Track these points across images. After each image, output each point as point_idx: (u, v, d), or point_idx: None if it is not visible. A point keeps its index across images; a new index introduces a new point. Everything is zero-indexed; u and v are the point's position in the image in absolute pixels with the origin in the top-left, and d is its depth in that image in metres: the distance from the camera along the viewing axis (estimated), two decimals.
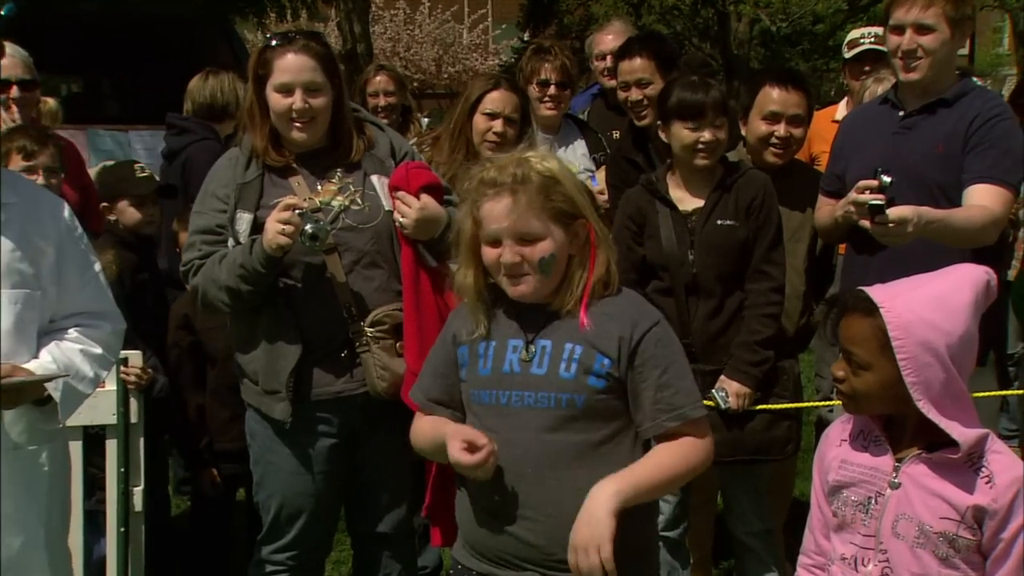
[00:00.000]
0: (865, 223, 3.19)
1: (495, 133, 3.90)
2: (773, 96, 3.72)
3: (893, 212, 3.09)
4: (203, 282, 3.12)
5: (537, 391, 2.37)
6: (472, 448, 2.34)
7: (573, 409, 2.36)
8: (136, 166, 4.45)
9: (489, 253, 2.40)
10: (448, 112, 4.13)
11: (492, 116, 3.92)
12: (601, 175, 4.46)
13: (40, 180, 3.87)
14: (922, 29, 3.37)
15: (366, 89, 5.50)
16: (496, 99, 3.93)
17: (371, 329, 3.11)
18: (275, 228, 2.95)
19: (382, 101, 5.44)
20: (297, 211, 2.96)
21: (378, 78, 5.53)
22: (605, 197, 4.27)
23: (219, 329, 3.84)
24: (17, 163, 3.89)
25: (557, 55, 4.57)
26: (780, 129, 3.69)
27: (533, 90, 4.54)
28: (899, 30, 3.41)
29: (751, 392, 3.38)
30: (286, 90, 3.09)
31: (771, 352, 3.36)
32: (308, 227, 2.97)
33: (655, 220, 3.48)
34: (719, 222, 3.41)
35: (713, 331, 3.42)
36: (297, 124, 3.12)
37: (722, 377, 3.38)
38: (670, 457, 2.37)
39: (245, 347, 3.20)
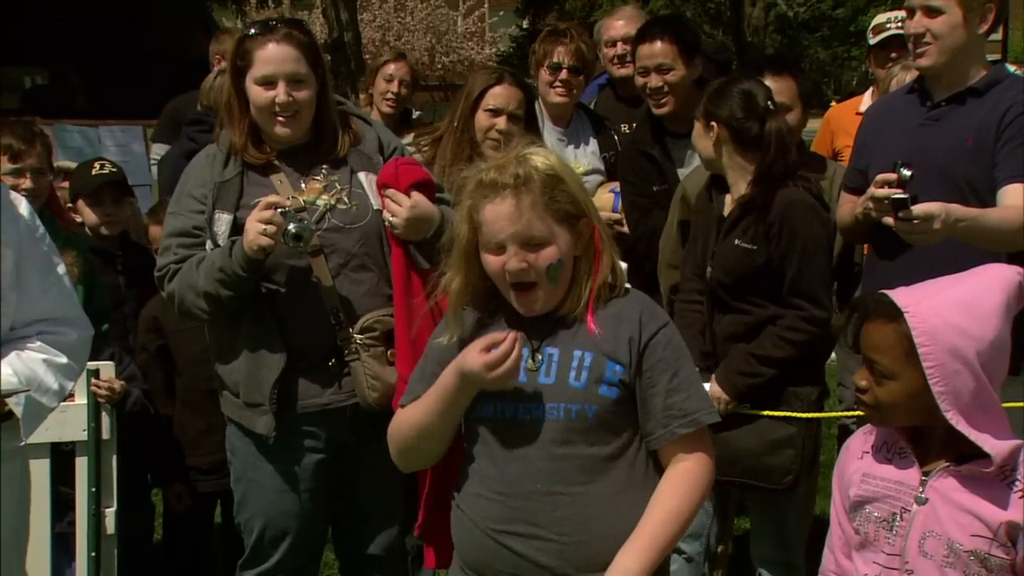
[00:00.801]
0: (889, 220, 3.19)
1: (498, 131, 3.89)
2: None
3: (919, 208, 3.09)
4: (179, 288, 3.13)
5: (546, 402, 2.39)
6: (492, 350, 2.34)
7: (584, 421, 2.37)
8: (96, 163, 4.52)
9: (493, 261, 2.41)
10: (449, 109, 4.13)
11: (495, 113, 3.91)
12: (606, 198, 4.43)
13: (28, 184, 3.91)
14: (931, 12, 3.39)
15: (380, 72, 5.57)
16: (499, 95, 3.93)
17: (360, 336, 3.13)
18: (256, 228, 2.95)
19: (395, 88, 5.52)
20: (279, 210, 2.98)
21: (396, 64, 5.61)
22: (623, 226, 4.29)
23: (190, 332, 3.86)
24: (3, 165, 3.92)
25: (573, 38, 4.59)
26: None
27: (544, 74, 4.56)
28: (911, 13, 3.44)
29: (728, 401, 3.38)
30: (268, 82, 3.10)
31: (768, 372, 3.37)
32: (291, 227, 2.97)
33: (706, 214, 3.58)
34: (737, 242, 3.44)
35: (726, 334, 3.47)
36: (280, 118, 3.13)
37: (712, 376, 3.42)
38: (677, 499, 2.38)
39: (225, 357, 3.21)
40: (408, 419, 2.55)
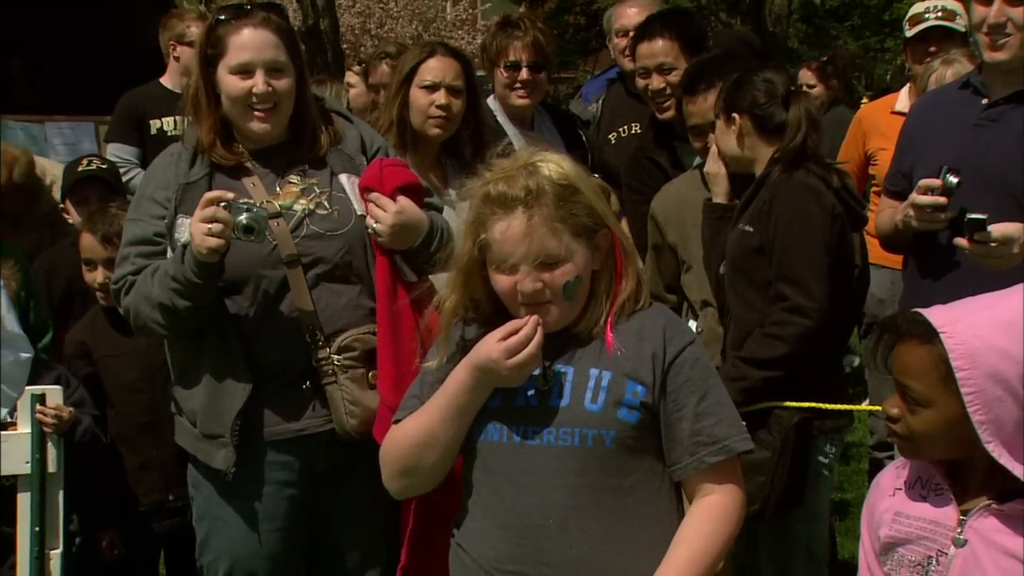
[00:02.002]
0: (962, 242, 3.16)
1: (438, 107, 3.93)
2: (688, 110, 3.90)
3: (997, 230, 3.06)
4: (135, 301, 3.14)
5: (559, 427, 2.40)
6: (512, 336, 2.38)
7: (601, 448, 2.39)
8: (85, 160, 4.66)
9: (503, 282, 2.43)
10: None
11: (432, 88, 3.94)
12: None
13: None
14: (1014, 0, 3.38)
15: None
16: (433, 68, 3.97)
17: (339, 356, 3.14)
18: (200, 230, 2.94)
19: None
20: (222, 204, 2.97)
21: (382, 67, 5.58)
22: None
23: (123, 358, 3.88)
24: None
25: (528, 29, 4.55)
26: (711, 140, 3.80)
27: (500, 75, 4.52)
28: (986, 1, 3.43)
29: None
30: (244, 71, 3.12)
31: (759, 374, 3.40)
32: (242, 218, 2.96)
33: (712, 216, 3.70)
34: (740, 226, 3.53)
35: (729, 344, 3.55)
36: (258, 112, 3.15)
37: None
38: (704, 538, 2.40)
39: (185, 380, 3.21)
40: (406, 431, 2.55)
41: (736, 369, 3.42)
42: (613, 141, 5.05)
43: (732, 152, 3.65)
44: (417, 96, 3.97)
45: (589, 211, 2.44)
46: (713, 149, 3.76)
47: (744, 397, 3.38)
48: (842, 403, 3.56)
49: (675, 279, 4.03)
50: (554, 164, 2.44)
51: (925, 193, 3.29)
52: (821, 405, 3.42)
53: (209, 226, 2.94)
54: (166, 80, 5.91)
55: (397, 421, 2.60)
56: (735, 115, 3.59)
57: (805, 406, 3.41)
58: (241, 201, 3.01)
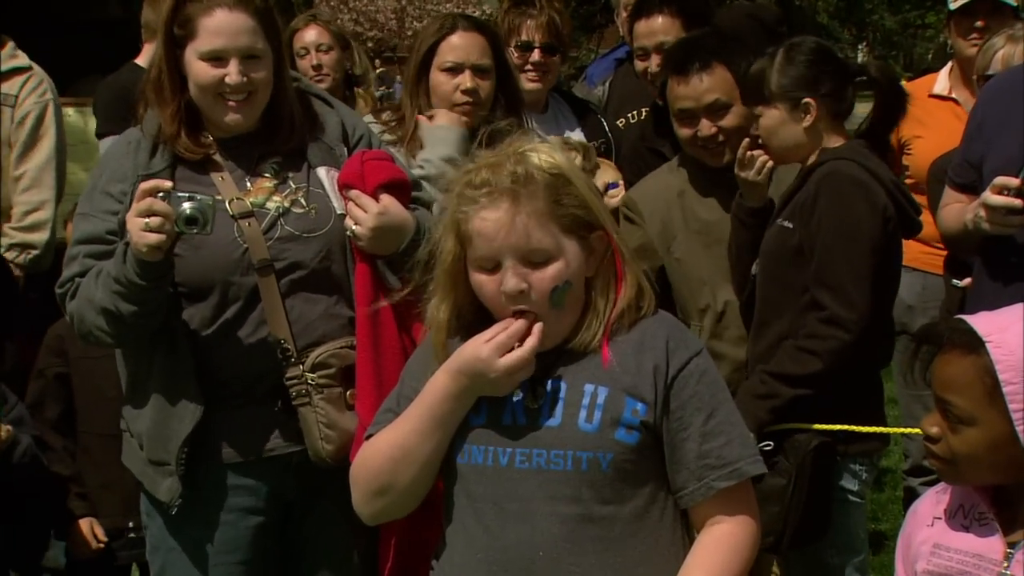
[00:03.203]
0: None
1: (464, 92, 3.88)
2: (678, 91, 3.85)
3: None
4: (78, 306, 3.12)
5: (550, 449, 2.41)
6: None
7: (597, 472, 2.39)
8: None
9: (484, 282, 2.43)
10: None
11: (454, 70, 3.90)
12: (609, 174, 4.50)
13: None
14: None
15: (293, 45, 5.49)
16: (456, 46, 3.92)
17: (313, 375, 3.13)
18: (137, 225, 2.91)
19: (313, 60, 5.44)
20: (160, 194, 2.93)
21: (308, 31, 5.53)
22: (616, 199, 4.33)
23: (98, 362, 3.89)
24: None
25: (543, 8, 4.57)
26: (702, 127, 3.83)
27: (512, 55, 4.53)
28: None
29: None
30: (216, 59, 3.11)
31: (791, 392, 3.41)
32: (184, 207, 2.93)
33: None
34: (779, 221, 3.54)
35: (756, 355, 3.57)
36: (231, 103, 3.15)
37: None
38: (714, 572, 2.40)
39: (133, 396, 3.21)
40: (379, 447, 2.54)
41: (765, 386, 3.43)
42: (621, 128, 5.04)
43: (793, 143, 3.60)
44: (439, 81, 3.91)
45: (583, 206, 2.44)
46: (743, 152, 3.71)
47: (772, 417, 3.41)
48: (880, 424, 3.56)
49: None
50: (544, 152, 2.44)
51: (1000, 193, 3.26)
52: (847, 427, 3.42)
53: (146, 220, 2.90)
54: (143, 61, 5.86)
55: (369, 437, 2.60)
56: (808, 100, 3.54)
57: (830, 428, 3.41)
58: (183, 191, 2.98)
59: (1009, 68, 4.16)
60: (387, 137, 3.79)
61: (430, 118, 3.86)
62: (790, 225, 3.48)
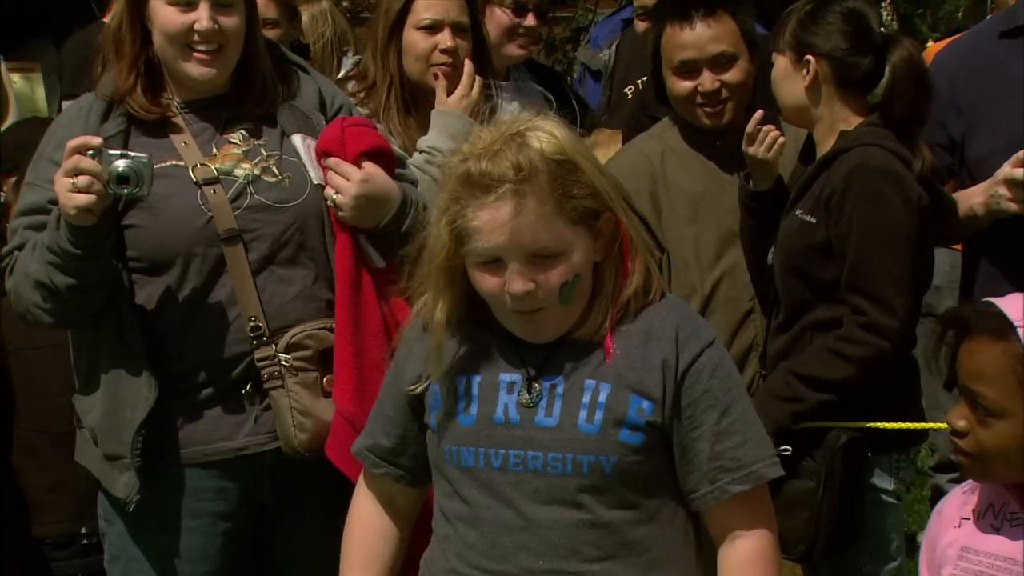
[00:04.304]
0: None
1: (444, 51, 3.85)
2: (679, 39, 3.78)
3: None
4: (16, 282, 3.11)
5: (547, 451, 2.41)
6: None
7: (600, 476, 2.39)
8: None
9: (486, 281, 2.42)
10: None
11: (432, 28, 3.87)
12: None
13: None
14: None
15: None
16: (433, 2, 3.87)
17: (287, 356, 3.13)
18: (64, 186, 2.89)
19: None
20: (89, 152, 2.91)
21: None
22: None
23: (40, 353, 3.85)
24: None
25: None
26: (704, 81, 3.78)
27: (502, 15, 4.43)
28: None
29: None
30: (186, 3, 3.09)
31: (817, 397, 3.40)
32: (117, 164, 2.91)
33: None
34: (797, 212, 3.53)
35: (775, 351, 3.56)
36: (200, 53, 3.13)
37: None
38: None
39: (84, 385, 3.20)
40: (349, 535, 2.73)
41: (789, 387, 3.42)
42: (629, 96, 5.00)
43: (793, 100, 3.60)
44: (414, 40, 3.89)
45: (590, 191, 2.43)
46: (752, 127, 3.66)
47: (793, 421, 3.39)
48: (915, 413, 3.56)
49: None
50: (546, 134, 2.42)
51: (1021, 167, 3.27)
52: (867, 424, 3.41)
53: (73, 180, 2.88)
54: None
55: (358, 451, 2.67)
56: (809, 57, 3.52)
57: (852, 426, 3.41)
58: (115, 149, 2.96)
59: (966, 34, 4.14)
60: (361, 111, 3.73)
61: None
62: (812, 220, 3.46)
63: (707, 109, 3.81)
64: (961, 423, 2.31)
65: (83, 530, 3.91)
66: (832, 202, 3.41)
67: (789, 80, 3.58)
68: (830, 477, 3.39)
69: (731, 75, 3.78)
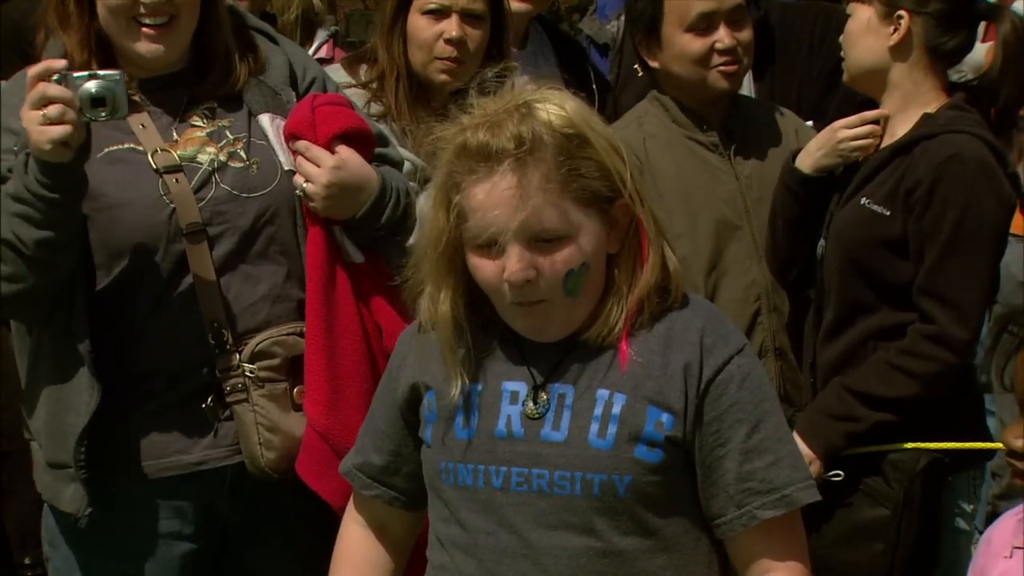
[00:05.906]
0: None
1: (449, 41, 3.77)
2: None
3: None
4: None
5: (554, 469, 2.36)
6: None
7: (613, 498, 2.35)
8: None
9: (483, 266, 2.36)
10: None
11: (439, 13, 3.78)
12: None
13: None
14: None
15: None
16: None
17: (252, 365, 3.07)
18: (34, 120, 2.79)
19: None
20: (54, 77, 2.82)
21: None
22: None
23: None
24: None
25: None
26: (722, 37, 3.68)
27: None
28: None
29: (817, 462, 3.34)
30: None
31: (875, 417, 3.34)
32: (89, 86, 2.82)
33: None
34: (864, 202, 3.41)
35: (828, 360, 3.47)
36: (147, 28, 3.04)
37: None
38: None
39: (28, 386, 3.15)
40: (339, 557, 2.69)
41: (844, 404, 3.37)
42: (640, 74, 4.91)
43: (871, 61, 3.47)
44: (418, 26, 3.79)
45: (602, 171, 2.37)
46: (859, 119, 3.54)
47: (847, 444, 3.34)
48: (977, 431, 3.50)
49: None
50: (554, 105, 2.36)
51: None
52: (944, 444, 3.35)
53: (43, 111, 2.79)
54: None
55: (346, 471, 2.65)
56: (902, 12, 3.39)
57: (924, 447, 3.34)
58: (80, 72, 2.87)
59: None
60: (373, 109, 3.69)
61: None
62: (886, 212, 3.35)
63: (725, 68, 3.70)
64: (1019, 443, 2.23)
65: (27, 560, 3.93)
66: (915, 195, 3.32)
67: (871, 35, 3.46)
68: (908, 504, 3.33)
69: (745, 34, 3.72)
